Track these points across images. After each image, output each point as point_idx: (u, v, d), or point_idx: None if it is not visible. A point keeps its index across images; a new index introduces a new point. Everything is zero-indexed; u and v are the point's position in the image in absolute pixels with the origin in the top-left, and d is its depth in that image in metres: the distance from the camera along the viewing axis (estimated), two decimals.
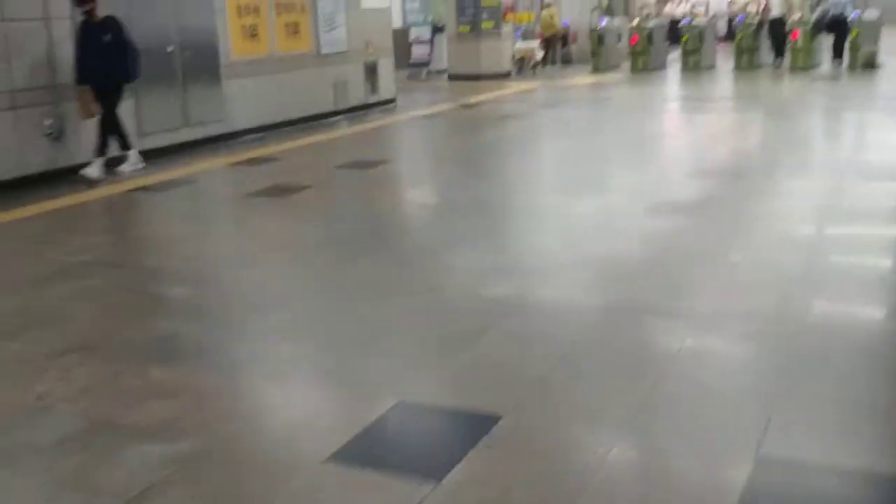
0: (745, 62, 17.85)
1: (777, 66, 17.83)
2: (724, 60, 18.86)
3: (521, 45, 19.81)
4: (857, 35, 16.50)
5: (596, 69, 18.73)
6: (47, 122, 8.59)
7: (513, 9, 19.20)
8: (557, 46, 21.06)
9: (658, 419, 3.26)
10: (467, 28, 18.49)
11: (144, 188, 8.21)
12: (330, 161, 9.46)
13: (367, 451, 3.09)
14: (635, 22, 19.15)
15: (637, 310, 4.40)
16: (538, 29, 20.73)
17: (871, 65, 16.37)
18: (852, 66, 16.62)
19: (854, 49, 16.61)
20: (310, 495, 2.85)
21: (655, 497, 2.75)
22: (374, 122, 12.78)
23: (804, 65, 17.11)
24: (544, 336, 4.11)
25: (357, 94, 13.66)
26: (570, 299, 4.65)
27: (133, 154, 8.91)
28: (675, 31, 19.63)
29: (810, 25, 17.22)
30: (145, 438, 3.22)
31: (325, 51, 12.77)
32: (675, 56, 19.38)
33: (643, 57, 18.35)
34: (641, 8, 22.53)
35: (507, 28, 18.87)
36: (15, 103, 8.34)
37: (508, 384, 3.58)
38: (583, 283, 4.94)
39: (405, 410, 3.39)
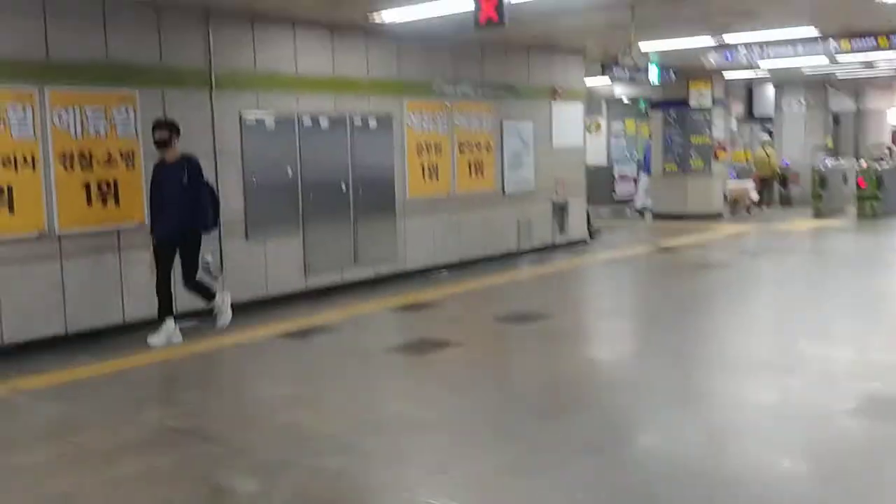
0: None
1: None
2: None
3: (733, 184, 18.47)
4: None
5: (817, 213, 17.01)
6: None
7: (724, 147, 18.00)
8: (775, 187, 19.49)
9: None
10: (674, 166, 17.49)
11: (285, 334, 7.78)
12: (492, 310, 8.67)
13: None
14: (864, 163, 17.35)
15: None
16: (753, 168, 19.31)
17: None
18: None
19: None
20: None
21: None
22: (558, 264, 11.96)
23: None
24: None
25: (543, 234, 12.95)
26: None
27: (168, 324, 7.52)
28: None
29: None
30: None
31: (509, 190, 12.23)
32: None
33: (871, 202, 16.46)
34: (874, 148, 20.57)
35: (718, 166, 17.68)
36: None
37: None
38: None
39: None
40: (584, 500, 4.03)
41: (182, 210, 7.42)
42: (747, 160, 20.42)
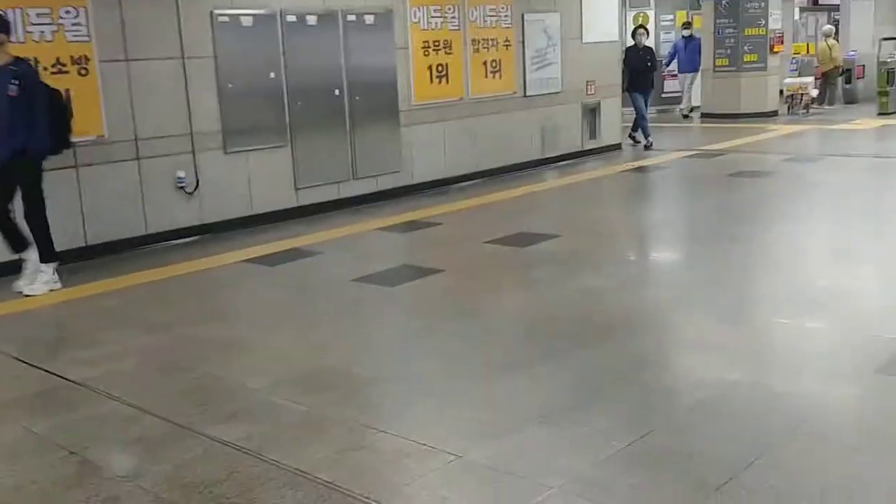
0: None
1: None
2: None
3: (791, 80, 16.93)
4: None
5: (883, 111, 15.47)
6: None
7: (781, 40, 16.40)
8: (838, 83, 17.85)
9: None
10: (725, 61, 16.03)
11: (254, 260, 7.01)
12: (498, 229, 7.71)
13: None
14: None
15: None
16: (815, 62, 17.67)
17: None
18: None
19: None
20: None
21: None
22: (585, 173, 10.91)
23: None
24: None
25: (572, 139, 11.86)
26: None
27: (48, 269, 6.28)
28: None
29: None
30: None
31: (532, 92, 11.11)
32: None
33: None
34: None
35: (774, 61, 16.15)
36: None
37: None
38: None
39: None
40: None
41: (10, 128, 5.97)
42: (809, 54, 18.74)
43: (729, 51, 15.95)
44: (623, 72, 12.75)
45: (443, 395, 4.11)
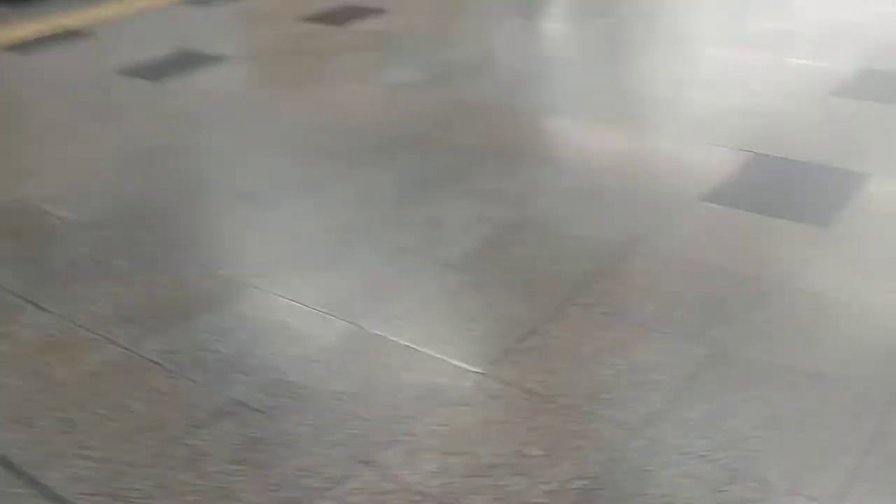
0: None
1: None
2: None
3: None
4: None
5: None
6: None
7: None
8: None
9: None
10: None
11: (9, 46, 5.59)
12: (315, 1, 6.24)
13: None
14: None
15: None
16: None
17: None
18: None
19: None
20: None
21: None
22: None
23: None
24: None
25: None
26: None
27: None
28: None
29: None
30: None
31: None
32: None
33: None
34: None
35: None
36: None
37: None
38: None
39: None
40: None
41: None
42: None
43: None
44: None
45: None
